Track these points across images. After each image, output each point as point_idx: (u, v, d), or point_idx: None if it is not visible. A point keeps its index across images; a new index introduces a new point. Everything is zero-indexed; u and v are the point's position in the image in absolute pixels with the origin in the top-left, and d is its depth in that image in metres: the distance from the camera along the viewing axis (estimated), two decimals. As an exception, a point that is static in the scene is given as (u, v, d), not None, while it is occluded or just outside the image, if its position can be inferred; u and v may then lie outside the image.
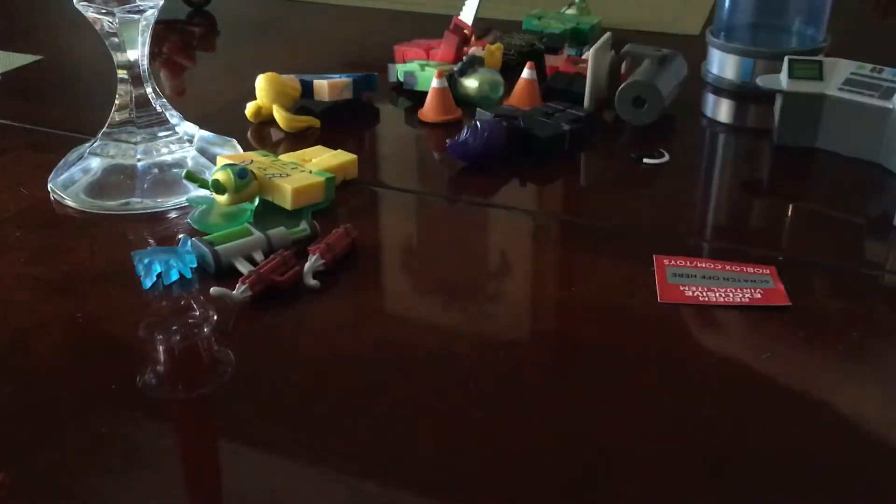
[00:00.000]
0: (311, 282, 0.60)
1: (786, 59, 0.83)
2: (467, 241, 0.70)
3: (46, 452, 0.46)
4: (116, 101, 0.75)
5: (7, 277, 0.63)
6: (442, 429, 0.48)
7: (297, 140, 0.87)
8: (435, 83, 0.91)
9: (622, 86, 0.87)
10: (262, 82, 0.89)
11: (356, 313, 0.60)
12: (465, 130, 0.80)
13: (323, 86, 0.91)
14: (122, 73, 0.74)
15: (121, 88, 0.74)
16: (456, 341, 0.57)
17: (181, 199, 0.73)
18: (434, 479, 0.45)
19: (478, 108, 0.86)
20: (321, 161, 0.76)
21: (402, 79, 0.99)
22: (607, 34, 0.94)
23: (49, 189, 0.75)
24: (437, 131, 0.90)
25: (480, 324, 0.59)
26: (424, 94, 0.94)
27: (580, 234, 0.71)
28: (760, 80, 0.84)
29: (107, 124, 0.76)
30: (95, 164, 0.74)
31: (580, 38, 1.14)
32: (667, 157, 0.82)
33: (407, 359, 0.54)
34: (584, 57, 1.02)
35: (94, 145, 0.76)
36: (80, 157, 0.76)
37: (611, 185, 0.81)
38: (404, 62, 1.03)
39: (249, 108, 0.91)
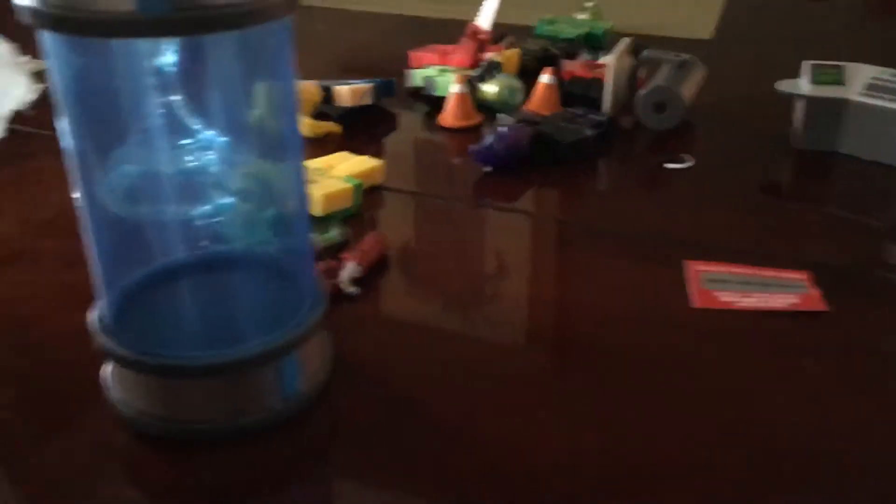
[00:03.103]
0: (351, 289, 0.60)
1: (807, 63, 0.83)
2: (494, 246, 0.70)
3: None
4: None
5: (40, 286, 0.62)
6: (476, 436, 0.48)
7: (318, 145, 0.87)
8: (455, 88, 0.91)
9: (644, 91, 0.87)
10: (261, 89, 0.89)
11: (397, 319, 0.60)
12: (489, 136, 0.80)
13: (344, 91, 0.91)
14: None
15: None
16: (484, 347, 0.57)
17: (206, 207, 0.72)
18: (468, 483, 0.45)
19: (499, 114, 0.86)
20: (347, 167, 0.76)
21: (420, 84, 0.99)
22: (626, 39, 0.94)
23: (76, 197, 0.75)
24: (457, 136, 0.90)
25: (511, 330, 0.59)
26: (442, 99, 0.94)
27: (608, 239, 0.71)
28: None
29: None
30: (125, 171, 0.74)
31: (594, 42, 1.14)
32: (690, 162, 0.82)
33: (446, 362, 0.54)
34: (600, 61, 1.02)
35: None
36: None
37: (635, 189, 0.81)
38: (420, 67, 1.03)
39: (254, 116, 0.90)
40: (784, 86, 0.84)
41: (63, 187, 0.75)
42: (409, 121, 0.96)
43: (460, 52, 1.02)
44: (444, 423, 0.49)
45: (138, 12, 0.36)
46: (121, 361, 0.46)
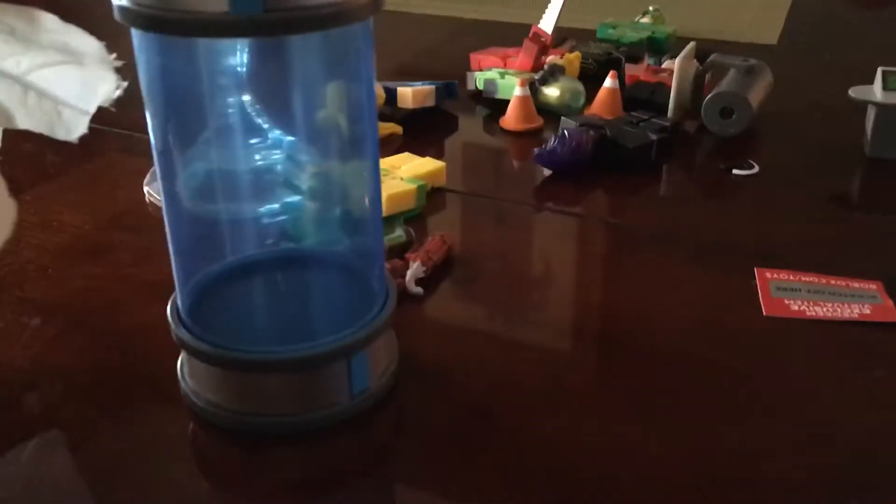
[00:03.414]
0: (415, 289, 0.60)
1: (879, 70, 0.82)
2: (556, 249, 0.70)
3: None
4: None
5: (114, 279, 0.64)
6: (540, 437, 0.48)
7: (380, 146, 0.87)
8: (518, 92, 0.91)
9: (710, 96, 0.86)
10: (331, 90, 0.90)
11: (460, 321, 0.60)
12: (552, 139, 0.80)
13: (407, 93, 0.91)
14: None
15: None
16: (546, 349, 0.57)
17: (275, 205, 0.74)
18: (549, 488, 0.45)
19: (562, 117, 0.86)
20: (410, 168, 0.77)
21: (481, 87, 0.99)
22: (692, 44, 0.93)
23: (145, 192, 0.77)
24: (519, 139, 0.90)
25: (573, 333, 0.59)
26: (503, 102, 0.94)
27: (674, 245, 0.70)
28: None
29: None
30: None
31: (656, 47, 1.13)
32: (756, 169, 0.81)
33: (516, 361, 0.54)
34: (663, 66, 1.01)
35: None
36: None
37: (699, 195, 0.80)
38: (481, 70, 1.03)
39: (320, 116, 0.91)
40: (856, 92, 0.83)
41: (134, 184, 0.77)
42: (471, 123, 0.96)
43: (522, 56, 1.02)
44: (507, 423, 0.49)
45: (231, 13, 0.37)
46: (194, 354, 0.47)
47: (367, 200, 0.50)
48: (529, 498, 0.44)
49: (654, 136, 0.82)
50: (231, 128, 0.50)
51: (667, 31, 1.16)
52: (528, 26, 1.04)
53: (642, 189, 0.80)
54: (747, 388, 0.52)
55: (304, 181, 0.52)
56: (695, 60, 0.94)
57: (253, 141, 0.61)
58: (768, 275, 0.62)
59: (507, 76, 0.97)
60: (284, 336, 0.48)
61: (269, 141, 0.72)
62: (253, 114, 0.52)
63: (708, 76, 0.93)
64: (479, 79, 1.00)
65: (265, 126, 0.56)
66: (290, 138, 0.75)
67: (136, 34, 0.42)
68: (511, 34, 1.10)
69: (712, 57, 0.93)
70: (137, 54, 0.43)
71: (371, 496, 0.46)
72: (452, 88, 0.97)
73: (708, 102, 0.87)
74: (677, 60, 0.89)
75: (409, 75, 1.05)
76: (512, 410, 0.50)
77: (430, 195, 0.76)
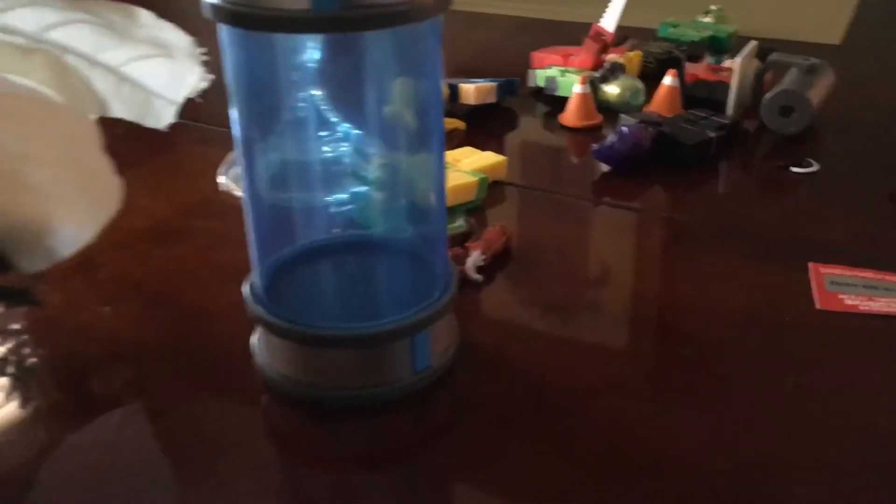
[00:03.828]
0: (475, 276, 0.63)
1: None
2: (614, 242, 0.72)
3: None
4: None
5: (191, 261, 0.68)
6: (595, 420, 0.50)
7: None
8: (578, 89, 0.93)
9: (770, 94, 0.87)
10: (398, 85, 0.93)
11: (517, 308, 0.63)
12: (612, 135, 0.82)
13: (469, 89, 0.94)
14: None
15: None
16: (601, 338, 0.59)
17: (344, 195, 0.77)
18: (597, 468, 0.47)
19: (621, 114, 0.87)
20: (472, 161, 0.79)
21: (542, 84, 1.01)
22: (753, 42, 0.94)
23: (219, 182, 0.81)
24: (578, 136, 0.92)
25: (628, 323, 0.61)
26: (563, 99, 0.96)
27: (730, 240, 0.71)
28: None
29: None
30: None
31: (718, 46, 1.13)
32: (815, 167, 0.81)
33: (570, 346, 0.57)
34: (724, 65, 1.02)
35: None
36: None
37: (757, 192, 0.81)
38: (542, 68, 1.05)
39: (386, 111, 0.94)
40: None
41: (209, 173, 0.82)
42: (531, 120, 0.98)
43: (583, 54, 1.04)
44: (559, 404, 0.51)
45: (312, 10, 0.40)
46: (270, 329, 0.51)
47: (432, 192, 0.52)
48: (578, 474, 0.46)
49: (712, 134, 0.83)
50: (304, 120, 0.54)
51: (728, 30, 1.17)
52: (590, 25, 1.06)
53: (700, 185, 0.81)
54: (797, 378, 0.53)
55: (372, 172, 0.54)
56: (756, 59, 0.94)
57: (323, 133, 0.64)
58: (823, 269, 0.63)
59: (567, 74, 0.99)
60: (352, 315, 0.51)
61: (339, 133, 0.75)
62: (324, 107, 0.55)
63: (768, 75, 0.94)
64: (539, 76, 1.02)
65: (335, 119, 0.59)
66: (357, 131, 0.78)
67: (223, 29, 0.45)
68: (572, 33, 1.12)
69: (773, 55, 0.93)
70: (224, 49, 0.46)
71: (430, 468, 0.49)
72: (513, 85, 0.99)
73: (768, 100, 0.87)
74: (738, 59, 0.89)
75: (471, 72, 1.07)
76: (564, 392, 0.53)
77: (491, 188, 0.78)
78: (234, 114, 0.48)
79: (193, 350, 0.57)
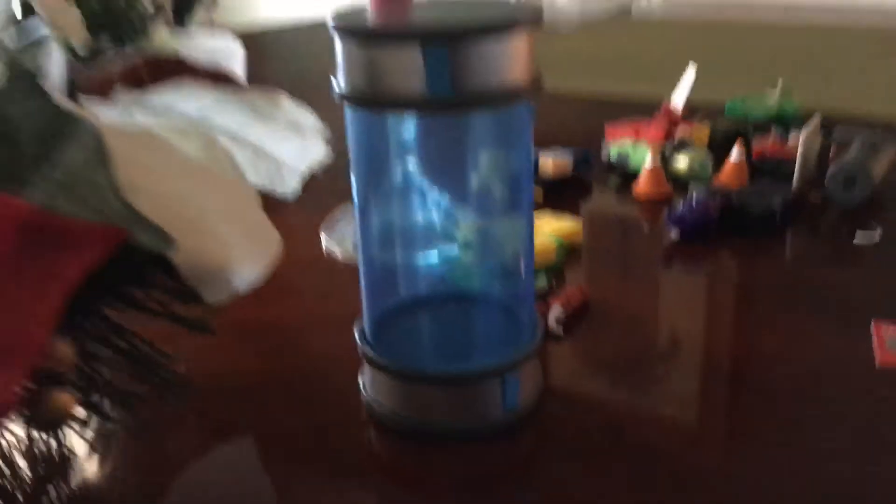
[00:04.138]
0: (557, 328, 0.69)
1: None
2: (684, 303, 0.77)
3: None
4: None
5: (300, 311, 0.76)
6: (675, 460, 0.55)
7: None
8: (648, 164, 1.00)
9: (834, 167, 0.92)
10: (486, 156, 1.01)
11: (594, 358, 0.69)
12: (683, 204, 0.88)
13: (547, 163, 1.01)
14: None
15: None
16: (675, 391, 0.64)
17: (442, 253, 0.85)
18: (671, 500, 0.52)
19: (691, 183, 0.93)
20: (551, 227, 0.86)
21: (614, 158, 1.08)
22: (817, 116, 0.99)
23: (322, 240, 0.89)
24: (649, 206, 0.99)
25: (699, 377, 0.66)
26: (634, 172, 1.03)
27: (794, 301, 0.76)
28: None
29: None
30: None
31: (784, 122, 1.19)
32: (879, 234, 0.86)
33: (643, 393, 0.62)
34: (789, 141, 1.07)
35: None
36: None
37: (822, 259, 0.85)
38: (615, 140, 1.12)
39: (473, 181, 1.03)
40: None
41: (312, 234, 0.91)
42: (604, 190, 1.05)
43: (654, 128, 1.11)
44: (635, 442, 0.57)
45: (426, 95, 0.48)
46: (377, 367, 0.58)
47: (522, 253, 0.60)
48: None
49: (777, 205, 0.89)
50: (408, 188, 0.62)
51: (794, 105, 1.23)
52: (660, 101, 1.13)
53: (766, 252, 0.86)
54: (858, 428, 0.58)
55: (466, 236, 0.62)
56: (820, 134, 1.00)
57: (423, 199, 0.72)
58: (885, 328, 0.68)
59: (638, 148, 1.06)
60: (449, 357, 0.58)
61: (438, 200, 0.83)
62: (426, 177, 0.63)
63: (833, 148, 0.99)
64: (612, 150, 1.09)
65: (435, 188, 0.67)
66: (455, 199, 0.86)
67: (348, 111, 0.54)
68: (642, 109, 1.19)
69: (837, 129, 0.99)
70: (348, 126, 0.55)
71: (518, 496, 0.54)
72: (587, 159, 1.06)
73: (831, 174, 0.92)
74: (803, 133, 0.95)
75: (551, 142, 1.15)
76: (640, 431, 0.58)
77: (569, 251, 0.85)
78: (353, 181, 0.56)
79: (306, 385, 0.65)
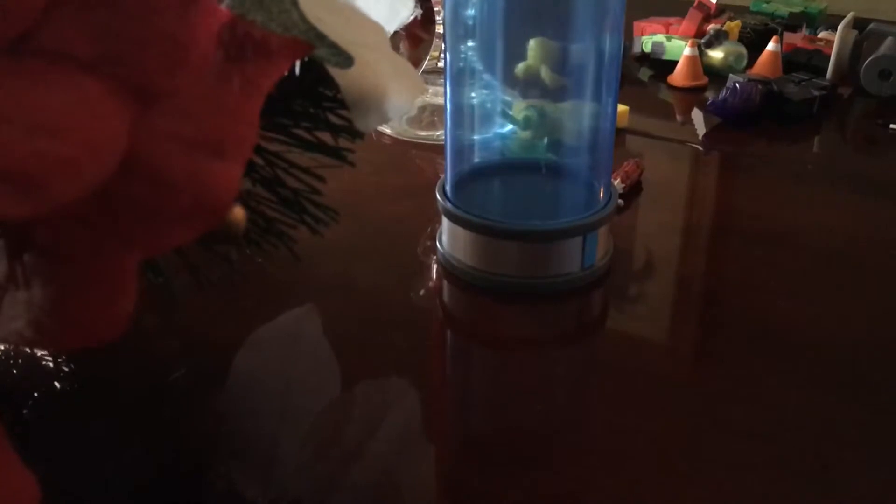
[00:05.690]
0: (618, 201, 0.71)
1: None
2: (730, 181, 0.80)
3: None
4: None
5: (369, 183, 0.77)
6: (741, 307, 0.58)
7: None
8: (687, 51, 1.01)
9: (870, 59, 0.94)
10: (532, 45, 1.02)
11: (654, 226, 0.71)
12: (724, 91, 0.90)
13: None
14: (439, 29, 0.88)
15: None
16: (726, 248, 0.67)
17: (489, 134, 0.86)
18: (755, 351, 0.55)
19: (731, 74, 0.95)
20: (598, 110, 0.88)
21: (648, 49, 1.09)
22: (851, 14, 1.01)
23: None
24: (685, 95, 1.00)
25: (748, 238, 0.69)
26: (668, 63, 1.04)
27: (833, 180, 0.79)
28: None
29: (420, 70, 0.90)
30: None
31: (809, 21, 1.20)
32: (913, 125, 0.89)
33: (703, 254, 0.65)
34: (819, 36, 1.09)
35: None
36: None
37: (857, 146, 0.88)
38: (645, 35, 1.13)
39: (520, 67, 1.03)
40: None
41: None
42: (638, 81, 1.06)
43: (686, 23, 1.12)
44: (704, 295, 0.60)
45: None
46: (456, 221, 0.60)
47: (607, 127, 0.62)
48: (720, 354, 0.55)
49: (816, 93, 0.91)
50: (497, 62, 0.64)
51: (819, 7, 1.24)
52: (691, -3, 1.14)
53: (805, 138, 0.89)
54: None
55: (556, 110, 0.64)
56: (853, 29, 1.01)
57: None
58: (930, 204, 0.71)
59: (672, 40, 1.07)
60: (533, 214, 0.60)
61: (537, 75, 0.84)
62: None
63: (865, 44, 1.01)
64: (645, 42, 1.10)
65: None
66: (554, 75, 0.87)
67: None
68: (670, 5, 1.20)
69: (871, 26, 1.00)
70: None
71: (588, 352, 0.57)
72: (624, 49, 1.07)
73: (867, 65, 0.94)
74: (839, 27, 0.97)
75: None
76: (707, 285, 0.61)
77: (617, 132, 0.87)
78: (448, 51, 0.58)
79: (384, 246, 0.67)
